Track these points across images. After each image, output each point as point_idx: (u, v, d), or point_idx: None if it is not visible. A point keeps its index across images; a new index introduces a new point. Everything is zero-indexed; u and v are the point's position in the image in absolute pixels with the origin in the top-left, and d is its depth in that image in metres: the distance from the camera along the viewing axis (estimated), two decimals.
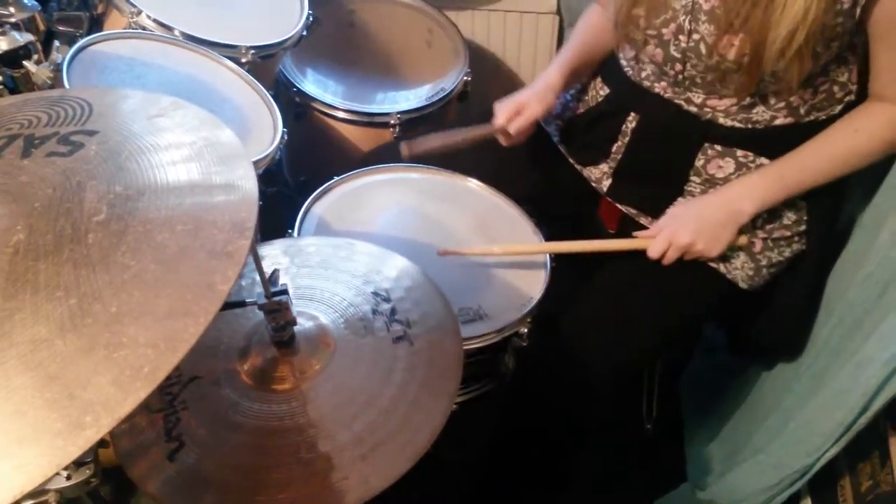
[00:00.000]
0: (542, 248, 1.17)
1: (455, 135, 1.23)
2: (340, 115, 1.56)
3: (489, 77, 1.96)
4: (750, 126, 1.05)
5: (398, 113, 1.55)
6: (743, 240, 1.08)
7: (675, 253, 1.07)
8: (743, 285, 1.11)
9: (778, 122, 1.04)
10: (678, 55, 1.02)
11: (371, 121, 1.57)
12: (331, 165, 1.31)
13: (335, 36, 1.70)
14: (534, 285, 1.11)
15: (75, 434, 0.39)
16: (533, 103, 1.17)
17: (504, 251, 1.16)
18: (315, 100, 1.55)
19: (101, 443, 0.88)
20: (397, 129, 1.55)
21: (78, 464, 0.88)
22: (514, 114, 1.17)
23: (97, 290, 0.46)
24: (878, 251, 0.96)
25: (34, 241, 0.49)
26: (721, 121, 1.06)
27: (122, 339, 0.43)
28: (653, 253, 1.08)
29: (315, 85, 1.60)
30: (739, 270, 1.11)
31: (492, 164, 1.29)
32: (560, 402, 1.18)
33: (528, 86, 1.21)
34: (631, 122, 1.15)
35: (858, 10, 0.91)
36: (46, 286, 0.46)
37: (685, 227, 1.06)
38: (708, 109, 1.06)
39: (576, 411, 1.20)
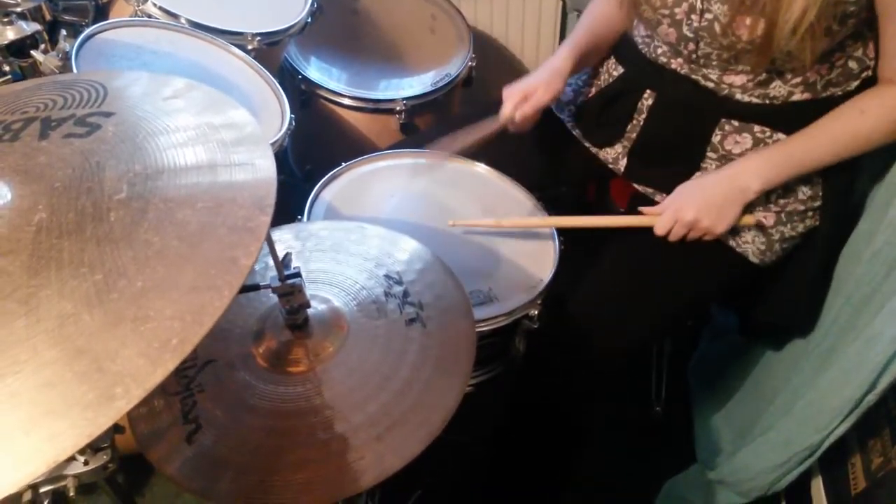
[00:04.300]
0: (549, 223, 1.18)
1: (468, 135, 1.25)
2: (346, 101, 1.56)
3: (493, 62, 1.96)
4: (767, 102, 1.05)
5: (403, 99, 1.55)
6: (749, 219, 1.08)
7: (681, 229, 1.07)
8: (754, 260, 1.11)
9: (795, 97, 1.03)
10: (691, 35, 1.02)
11: (377, 107, 1.57)
12: (337, 153, 1.31)
13: (339, 23, 1.70)
14: (543, 267, 1.12)
15: (106, 405, 0.40)
16: (541, 90, 1.17)
17: (512, 224, 1.17)
18: (320, 87, 1.55)
19: (118, 429, 0.89)
20: (403, 116, 1.56)
21: (95, 449, 0.88)
22: (521, 101, 1.18)
23: (122, 265, 0.46)
24: (887, 228, 0.96)
25: (56, 219, 0.49)
26: (738, 97, 1.06)
27: (148, 312, 0.43)
28: (659, 230, 1.09)
29: (319, 72, 1.60)
30: (750, 244, 1.11)
31: (500, 148, 1.29)
32: (570, 384, 1.18)
33: (535, 70, 1.21)
34: (647, 99, 1.15)
35: None
36: (70, 263, 0.46)
37: (690, 204, 1.06)
38: (725, 86, 1.06)
39: (586, 393, 1.21)
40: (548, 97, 1.17)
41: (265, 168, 0.55)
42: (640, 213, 1.14)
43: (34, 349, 0.42)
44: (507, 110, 1.18)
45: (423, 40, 1.75)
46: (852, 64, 1.01)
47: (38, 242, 0.48)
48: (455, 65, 1.66)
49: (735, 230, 1.10)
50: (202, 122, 0.60)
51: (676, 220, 1.07)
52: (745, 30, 0.95)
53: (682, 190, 1.10)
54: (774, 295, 1.16)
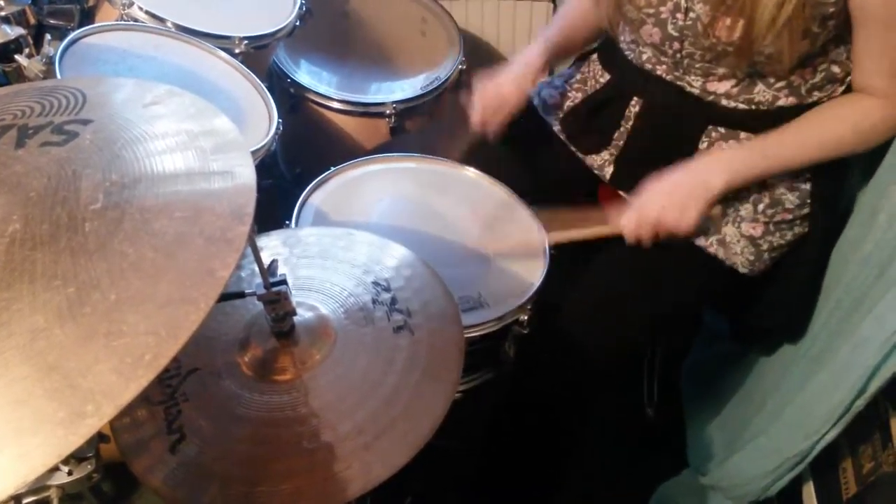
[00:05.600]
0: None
1: (456, 141, 1.25)
2: (336, 105, 1.55)
3: (484, 65, 1.93)
4: (753, 107, 1.04)
5: (394, 103, 1.54)
6: (715, 210, 1.05)
7: (646, 228, 1.04)
8: (743, 270, 1.11)
9: (780, 102, 1.03)
10: (676, 33, 1.01)
11: (367, 111, 1.56)
12: (326, 157, 1.30)
13: (329, 26, 1.69)
14: (533, 272, 1.11)
15: (77, 423, 0.39)
16: (512, 98, 1.17)
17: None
18: (309, 91, 1.55)
19: (102, 438, 0.88)
20: (393, 119, 1.55)
21: (79, 459, 0.88)
22: (494, 110, 1.18)
23: (95, 278, 0.45)
24: (876, 232, 0.96)
25: (30, 230, 0.48)
26: (724, 102, 1.05)
27: (122, 327, 0.42)
28: (627, 233, 1.06)
29: (309, 76, 1.59)
30: (739, 255, 1.10)
31: (488, 152, 1.28)
32: (561, 389, 1.17)
33: (508, 66, 1.20)
34: (634, 106, 1.14)
35: None
36: (44, 275, 0.45)
37: (653, 201, 1.04)
38: (709, 92, 1.05)
39: (577, 398, 1.20)
40: (517, 102, 1.18)
41: (245, 176, 0.54)
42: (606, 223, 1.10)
43: (5, 365, 0.41)
44: (477, 120, 1.19)
45: (414, 43, 1.74)
46: (835, 68, 1.01)
47: (10, 254, 0.47)
48: (445, 68, 1.65)
49: (723, 241, 1.09)
50: (182, 130, 0.59)
51: (640, 218, 1.04)
52: (724, 31, 0.95)
53: (644, 189, 1.07)
54: (764, 301, 1.16)
